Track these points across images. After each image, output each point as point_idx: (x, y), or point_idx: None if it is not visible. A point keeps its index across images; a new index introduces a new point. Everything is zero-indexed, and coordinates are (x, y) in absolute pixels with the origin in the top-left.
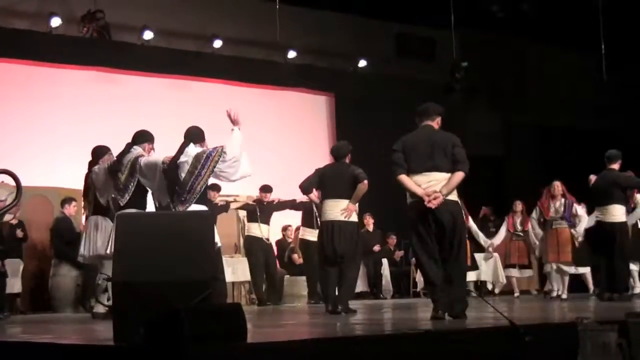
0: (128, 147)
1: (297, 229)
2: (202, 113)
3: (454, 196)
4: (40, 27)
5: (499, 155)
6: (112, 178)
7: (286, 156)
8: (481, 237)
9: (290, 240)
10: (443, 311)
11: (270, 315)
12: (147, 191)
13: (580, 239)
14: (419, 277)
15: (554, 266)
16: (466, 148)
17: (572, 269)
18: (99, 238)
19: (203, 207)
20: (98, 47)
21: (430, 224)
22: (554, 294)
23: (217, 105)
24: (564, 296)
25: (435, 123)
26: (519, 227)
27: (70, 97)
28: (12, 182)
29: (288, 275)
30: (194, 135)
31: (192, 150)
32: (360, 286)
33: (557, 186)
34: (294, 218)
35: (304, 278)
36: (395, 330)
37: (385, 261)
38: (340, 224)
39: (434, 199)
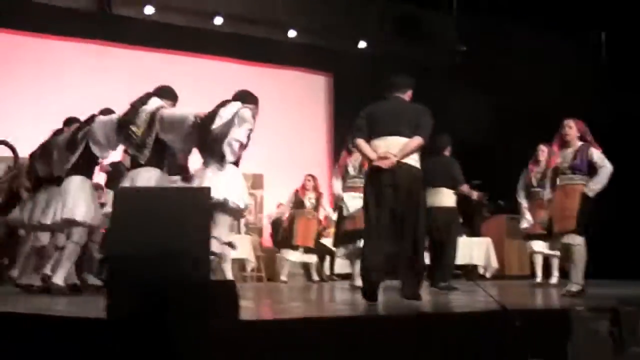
0: (146, 97)
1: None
2: (201, 90)
3: (414, 162)
4: None
5: (491, 140)
6: (122, 132)
7: (284, 135)
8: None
9: (284, 218)
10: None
11: (266, 293)
12: (166, 148)
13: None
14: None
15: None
16: (457, 132)
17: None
18: (82, 200)
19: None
20: (98, 20)
21: (384, 191)
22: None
23: (216, 82)
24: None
25: (407, 96)
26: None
27: (68, 69)
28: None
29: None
30: (244, 96)
31: (238, 105)
32: (347, 267)
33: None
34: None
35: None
36: (387, 312)
37: None
38: None
39: (385, 159)
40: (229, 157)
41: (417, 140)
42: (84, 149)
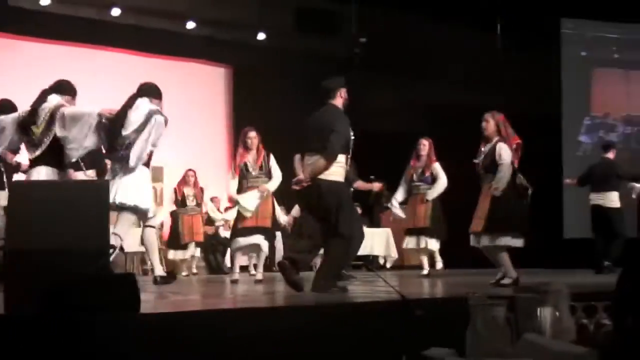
0: (44, 95)
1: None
2: (101, 82)
3: (331, 176)
4: None
5: (397, 132)
6: (22, 131)
7: (184, 127)
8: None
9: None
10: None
11: (167, 286)
12: (63, 146)
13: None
14: None
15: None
16: (365, 124)
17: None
18: None
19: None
20: None
21: (303, 208)
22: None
23: (115, 75)
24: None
25: (338, 97)
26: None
27: None
28: None
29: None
30: (150, 90)
31: (146, 105)
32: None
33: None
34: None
35: None
36: (287, 303)
37: (279, 234)
38: None
39: (296, 183)
40: (135, 164)
41: (320, 162)
42: None
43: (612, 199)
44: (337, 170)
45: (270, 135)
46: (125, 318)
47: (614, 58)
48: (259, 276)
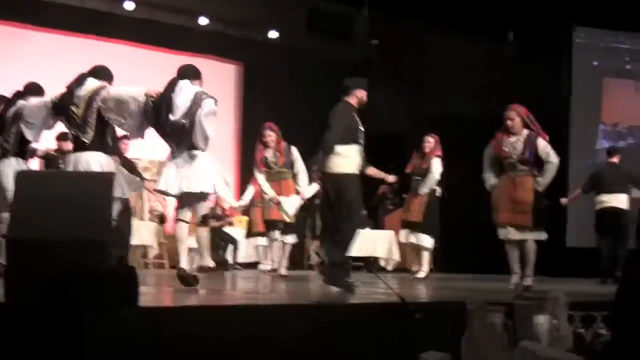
0: (82, 78)
1: None
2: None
3: (336, 168)
4: None
5: (403, 135)
6: (58, 113)
7: None
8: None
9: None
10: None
11: (167, 280)
12: (108, 130)
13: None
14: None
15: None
16: (372, 127)
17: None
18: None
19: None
20: (5, 1)
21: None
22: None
23: (126, 68)
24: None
25: (353, 96)
26: None
27: None
28: None
29: None
30: (189, 71)
31: (190, 87)
32: (254, 256)
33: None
34: None
35: None
36: (287, 301)
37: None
38: None
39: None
40: (204, 148)
41: (321, 156)
42: (16, 130)
43: (623, 201)
44: (340, 162)
45: (281, 131)
46: (124, 311)
47: (626, 69)
48: (284, 271)
